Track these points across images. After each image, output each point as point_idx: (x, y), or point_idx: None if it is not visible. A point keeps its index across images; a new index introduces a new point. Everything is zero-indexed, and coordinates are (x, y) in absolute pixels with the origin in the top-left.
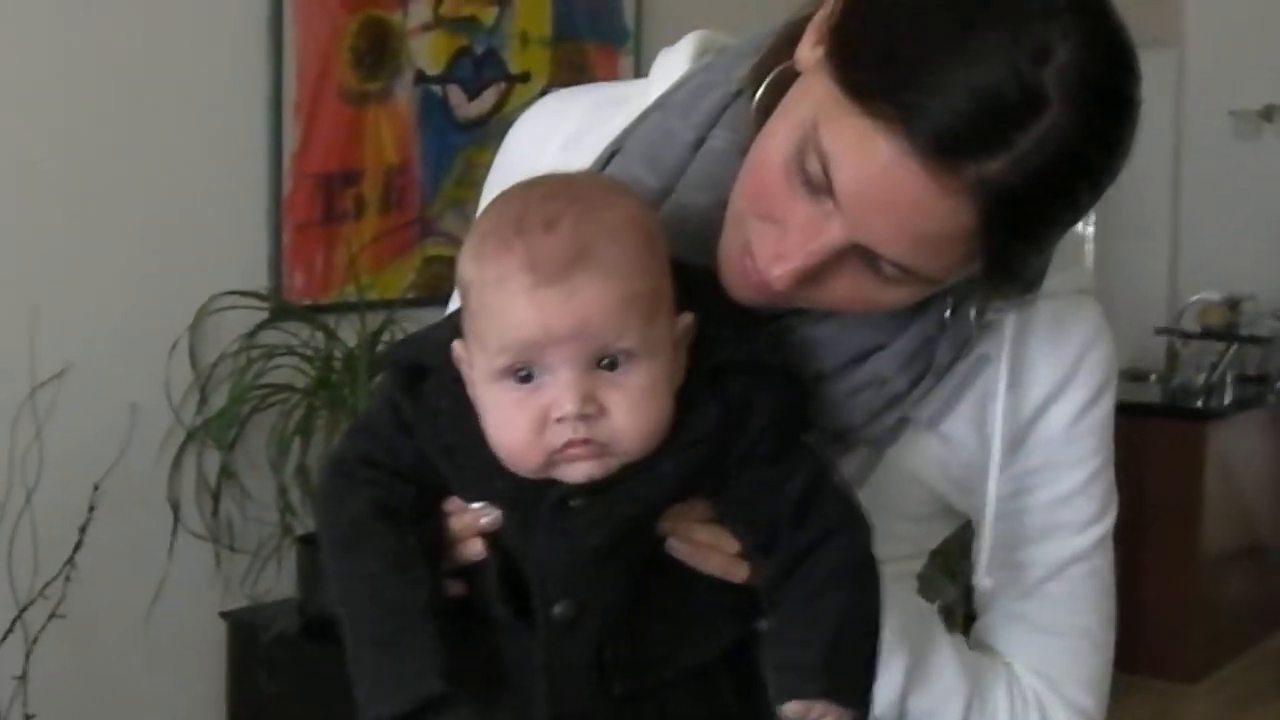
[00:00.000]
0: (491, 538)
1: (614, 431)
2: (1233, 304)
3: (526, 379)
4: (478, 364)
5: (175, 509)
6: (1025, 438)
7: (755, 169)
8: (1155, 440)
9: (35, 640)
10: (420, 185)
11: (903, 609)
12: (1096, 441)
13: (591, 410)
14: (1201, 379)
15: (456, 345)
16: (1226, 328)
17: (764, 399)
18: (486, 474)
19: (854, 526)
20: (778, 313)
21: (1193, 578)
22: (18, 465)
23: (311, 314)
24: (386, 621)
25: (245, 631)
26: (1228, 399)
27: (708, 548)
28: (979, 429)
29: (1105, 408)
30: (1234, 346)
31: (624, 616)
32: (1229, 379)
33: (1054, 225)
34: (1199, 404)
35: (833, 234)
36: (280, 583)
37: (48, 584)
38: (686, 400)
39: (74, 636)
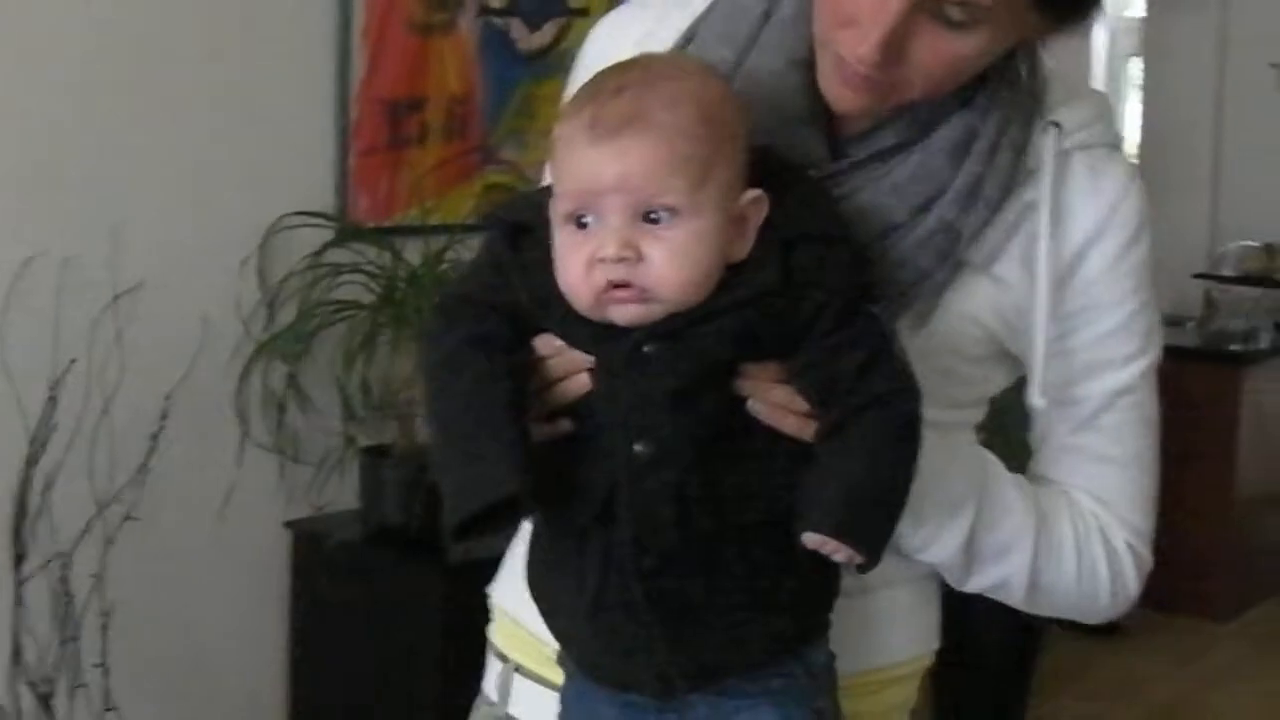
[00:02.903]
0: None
1: (652, 278)
2: (1271, 251)
3: (584, 225)
4: (554, 210)
5: (243, 420)
6: (1069, 279)
7: None
8: (1192, 384)
9: (111, 541)
10: (482, 114)
11: (967, 457)
12: (1135, 282)
13: (630, 255)
14: (1239, 324)
15: (552, 199)
16: (1264, 274)
17: (830, 270)
18: (572, 321)
19: (904, 395)
20: (853, 165)
21: (1227, 519)
22: (95, 372)
23: (376, 235)
24: (472, 432)
25: (308, 540)
26: (1264, 344)
27: (782, 409)
28: (1028, 270)
29: (1142, 250)
30: (1272, 292)
31: (702, 459)
32: (1265, 325)
33: None
34: (1236, 349)
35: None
36: (343, 494)
37: (122, 487)
38: (753, 264)
39: (147, 539)
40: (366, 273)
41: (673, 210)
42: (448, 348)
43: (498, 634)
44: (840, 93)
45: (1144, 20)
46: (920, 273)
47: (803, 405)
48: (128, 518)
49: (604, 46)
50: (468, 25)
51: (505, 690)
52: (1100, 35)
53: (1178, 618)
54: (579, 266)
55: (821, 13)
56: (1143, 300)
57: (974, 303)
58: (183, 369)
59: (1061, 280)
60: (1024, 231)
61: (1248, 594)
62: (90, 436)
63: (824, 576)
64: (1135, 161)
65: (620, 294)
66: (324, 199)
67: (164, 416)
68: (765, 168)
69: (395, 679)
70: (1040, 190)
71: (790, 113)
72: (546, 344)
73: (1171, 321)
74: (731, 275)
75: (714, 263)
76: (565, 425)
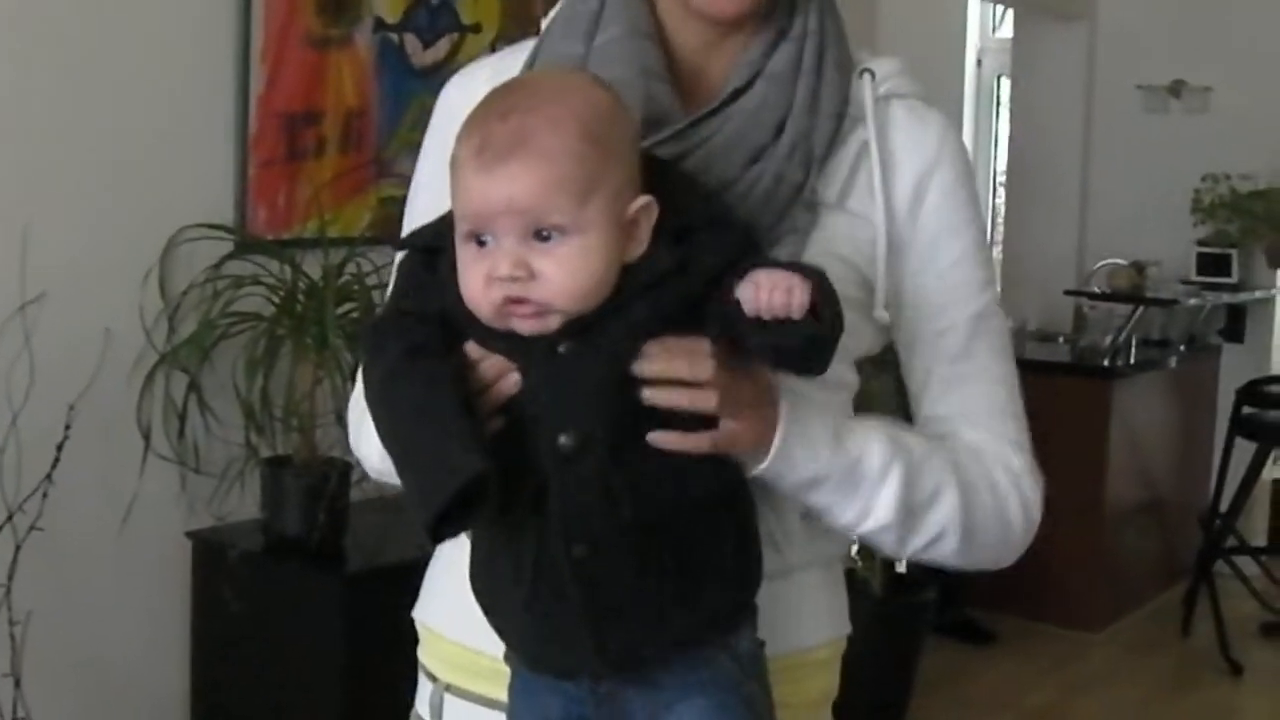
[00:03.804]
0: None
1: (547, 293)
2: (1139, 268)
3: (482, 243)
4: (456, 229)
5: (145, 432)
6: (918, 208)
7: None
8: (1062, 398)
9: (19, 550)
10: (377, 128)
11: (876, 422)
12: (972, 212)
13: (522, 274)
14: (1107, 340)
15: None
16: (1132, 291)
17: (714, 242)
18: (489, 331)
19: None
20: (712, 111)
21: (1097, 530)
22: (1, 383)
23: (275, 247)
24: (430, 431)
25: (210, 550)
26: (1132, 359)
27: (676, 389)
28: (875, 201)
29: (971, 185)
30: (1139, 309)
31: (624, 448)
32: (1133, 340)
33: None
34: (1104, 363)
35: None
36: (244, 504)
37: (26, 498)
38: (651, 257)
39: (52, 550)
40: (266, 285)
41: (560, 229)
42: (389, 362)
43: (427, 654)
44: (725, 4)
45: (1013, 41)
46: (794, 187)
47: (710, 367)
48: (33, 528)
49: (460, 93)
50: (364, 40)
51: (438, 709)
52: (970, 55)
53: (1049, 626)
54: (478, 283)
55: None
56: (980, 230)
57: (836, 240)
58: (86, 380)
59: (911, 210)
60: (865, 169)
61: (1117, 603)
62: None
63: (748, 559)
64: (1003, 180)
65: (519, 309)
66: (224, 212)
67: (68, 427)
68: (647, 168)
69: (297, 687)
70: (868, 128)
71: (644, 70)
72: (473, 349)
73: (1042, 337)
74: (629, 270)
75: (606, 271)
76: (497, 423)
